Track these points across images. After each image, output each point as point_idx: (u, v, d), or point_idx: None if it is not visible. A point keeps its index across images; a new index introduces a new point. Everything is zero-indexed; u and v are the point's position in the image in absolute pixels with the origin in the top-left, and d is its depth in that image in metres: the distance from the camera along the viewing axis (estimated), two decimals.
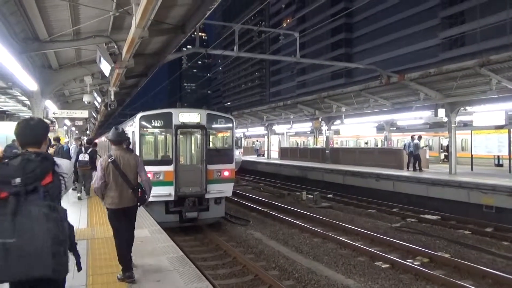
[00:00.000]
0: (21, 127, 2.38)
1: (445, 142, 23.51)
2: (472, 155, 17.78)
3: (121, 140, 4.89)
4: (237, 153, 30.00)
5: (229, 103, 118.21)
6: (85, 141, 12.65)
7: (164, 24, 8.72)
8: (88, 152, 10.97)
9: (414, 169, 17.49)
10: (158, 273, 4.90)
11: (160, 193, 10.36)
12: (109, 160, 4.62)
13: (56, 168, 2.28)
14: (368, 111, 20.24)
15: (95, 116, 25.15)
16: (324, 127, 25.73)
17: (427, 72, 14.42)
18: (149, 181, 4.86)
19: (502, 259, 8.55)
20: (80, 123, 22.37)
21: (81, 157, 10.81)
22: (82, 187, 11.04)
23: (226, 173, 11.37)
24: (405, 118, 21.83)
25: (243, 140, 40.15)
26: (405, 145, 18.25)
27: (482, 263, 8.11)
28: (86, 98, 14.00)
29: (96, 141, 20.94)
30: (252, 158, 34.15)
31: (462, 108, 16.12)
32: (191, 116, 11.05)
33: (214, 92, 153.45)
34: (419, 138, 18.83)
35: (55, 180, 2.24)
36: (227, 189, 11.42)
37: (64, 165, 2.38)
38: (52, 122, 17.72)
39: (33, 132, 2.39)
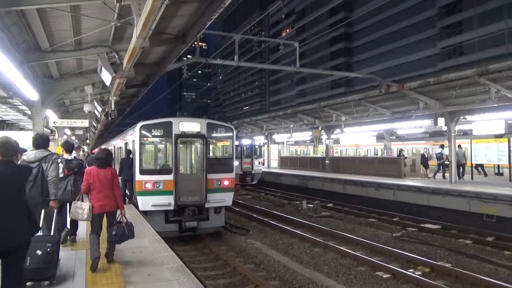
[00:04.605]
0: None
1: (445, 151, 23.42)
2: (472, 164, 17.78)
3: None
4: (256, 163, 25.91)
5: (229, 112, 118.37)
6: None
7: (165, 34, 8.78)
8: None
9: (459, 177, 17.32)
10: (158, 283, 4.86)
11: (160, 202, 10.35)
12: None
13: None
14: (367, 120, 20.28)
15: (95, 125, 25.14)
16: (324, 136, 25.74)
17: (427, 81, 14.47)
18: None
19: (504, 268, 8.49)
20: (80, 132, 22.32)
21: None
22: None
23: (226, 182, 11.36)
24: (405, 127, 21.85)
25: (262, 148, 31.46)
26: (462, 154, 17.93)
27: (484, 273, 8.05)
28: (86, 108, 14.02)
29: (104, 146, 22.01)
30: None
31: (461, 117, 16.17)
32: (191, 125, 11.07)
33: (214, 102, 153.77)
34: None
35: None
36: (227, 198, 11.39)
37: None
38: (52, 131, 17.73)
39: None
